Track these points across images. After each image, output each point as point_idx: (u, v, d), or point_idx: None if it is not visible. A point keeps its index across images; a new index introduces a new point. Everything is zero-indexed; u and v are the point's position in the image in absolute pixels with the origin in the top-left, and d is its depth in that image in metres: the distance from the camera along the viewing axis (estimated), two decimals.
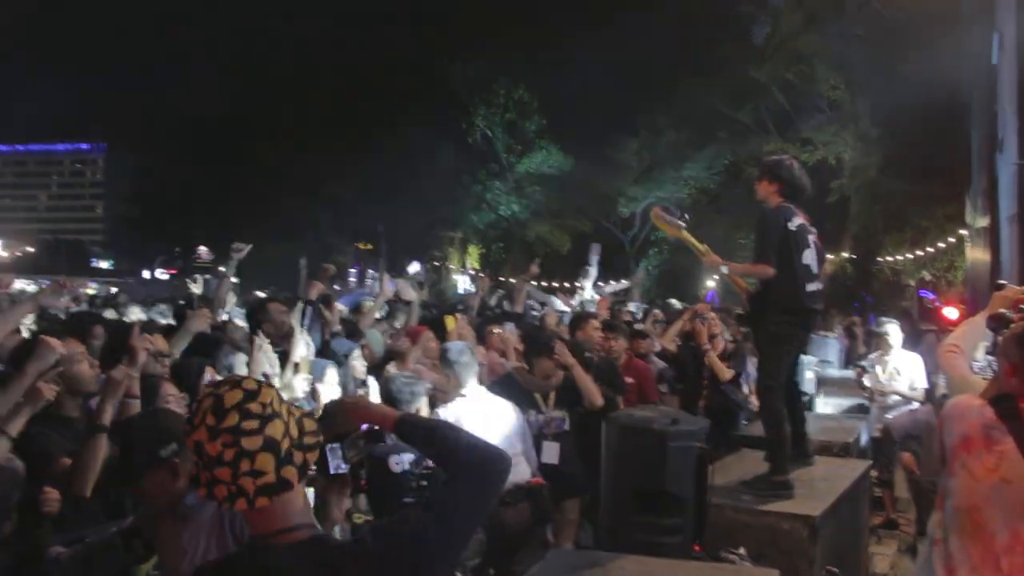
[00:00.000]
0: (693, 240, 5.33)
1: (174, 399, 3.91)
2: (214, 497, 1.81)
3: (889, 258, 25.82)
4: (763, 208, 5.09)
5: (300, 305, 5.84)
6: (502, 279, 29.43)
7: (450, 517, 1.90)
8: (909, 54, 20.41)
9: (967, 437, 2.96)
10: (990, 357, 3.40)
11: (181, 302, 8.65)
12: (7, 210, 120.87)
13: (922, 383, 7.94)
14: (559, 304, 10.17)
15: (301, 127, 42.26)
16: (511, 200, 41.04)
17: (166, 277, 57.66)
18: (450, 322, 6.81)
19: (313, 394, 4.89)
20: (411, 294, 7.70)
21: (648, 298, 20.88)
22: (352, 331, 6.95)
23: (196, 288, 8.38)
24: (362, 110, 41.29)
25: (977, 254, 14.27)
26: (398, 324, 7.85)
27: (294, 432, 1.85)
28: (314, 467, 2.12)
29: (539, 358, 5.79)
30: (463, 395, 5.02)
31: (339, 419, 2.24)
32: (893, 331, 8.28)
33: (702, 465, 4.18)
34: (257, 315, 5.65)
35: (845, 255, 27.46)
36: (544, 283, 25.30)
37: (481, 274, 26.92)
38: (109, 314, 8.56)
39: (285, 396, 4.09)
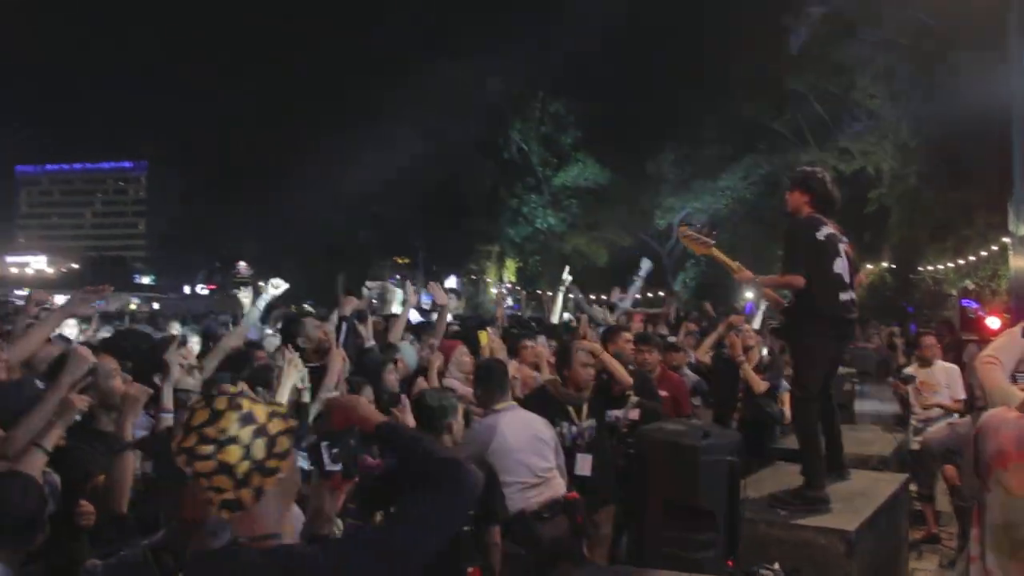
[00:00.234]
0: (723, 257, 5.29)
1: None
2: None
3: (931, 267, 25.47)
4: (792, 219, 5.08)
5: (336, 320, 5.86)
6: (539, 292, 29.42)
7: (412, 529, 1.96)
8: (949, 62, 20.18)
9: (1002, 451, 2.90)
10: None
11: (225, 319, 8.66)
12: (54, 228, 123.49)
13: (961, 394, 7.81)
14: (601, 316, 10.10)
15: (340, 142, 42.71)
16: (547, 213, 41.10)
17: (206, 292, 58.32)
18: (483, 337, 6.81)
19: None
20: (443, 296, 7.67)
21: (685, 310, 20.75)
22: (385, 345, 6.97)
23: (244, 297, 8.30)
24: (399, 126, 41.58)
25: (1020, 263, 13.99)
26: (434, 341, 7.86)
27: (258, 454, 1.89)
28: (313, 465, 2.22)
29: (568, 366, 5.79)
30: (496, 410, 5.02)
31: (329, 418, 2.31)
32: (932, 343, 8.16)
33: (733, 479, 4.14)
34: (291, 329, 5.69)
35: (885, 265, 27.12)
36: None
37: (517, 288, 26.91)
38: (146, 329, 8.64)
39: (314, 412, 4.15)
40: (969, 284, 23.81)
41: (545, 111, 40.21)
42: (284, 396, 3.87)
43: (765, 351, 8.13)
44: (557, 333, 8.52)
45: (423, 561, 1.97)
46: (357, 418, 2.24)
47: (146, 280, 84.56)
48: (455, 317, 8.77)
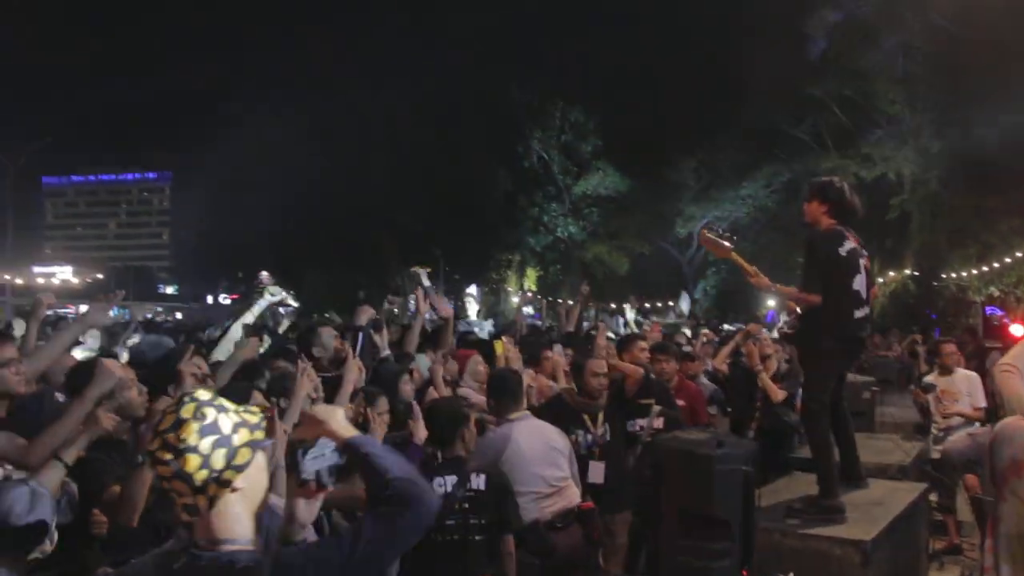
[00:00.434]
0: (742, 261, 5.24)
1: None
2: None
3: (954, 274, 25.22)
4: (812, 231, 4.99)
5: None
6: (559, 301, 29.41)
7: (360, 545, 1.97)
8: (971, 66, 20.05)
9: (1017, 460, 2.88)
10: None
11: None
12: (79, 238, 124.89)
13: (981, 402, 7.73)
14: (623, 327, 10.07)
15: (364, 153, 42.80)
16: (568, 222, 41.07)
17: (229, 302, 58.72)
18: (499, 346, 6.83)
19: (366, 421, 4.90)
20: (448, 309, 7.66)
21: (706, 319, 20.70)
22: (400, 355, 6.99)
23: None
24: (422, 136, 41.65)
25: None
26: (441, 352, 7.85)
27: (216, 464, 1.92)
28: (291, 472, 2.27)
29: (582, 375, 5.81)
30: (510, 419, 5.02)
31: (303, 428, 2.31)
32: (952, 351, 8.09)
33: (748, 488, 4.11)
34: (307, 339, 5.72)
35: (908, 272, 26.89)
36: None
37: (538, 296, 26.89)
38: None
39: None
40: (994, 291, 23.56)
41: (565, 119, 40.19)
42: (297, 407, 3.89)
43: (783, 360, 8.09)
44: (573, 342, 8.51)
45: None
46: (326, 431, 2.22)
47: (170, 290, 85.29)
48: (468, 324, 8.77)
